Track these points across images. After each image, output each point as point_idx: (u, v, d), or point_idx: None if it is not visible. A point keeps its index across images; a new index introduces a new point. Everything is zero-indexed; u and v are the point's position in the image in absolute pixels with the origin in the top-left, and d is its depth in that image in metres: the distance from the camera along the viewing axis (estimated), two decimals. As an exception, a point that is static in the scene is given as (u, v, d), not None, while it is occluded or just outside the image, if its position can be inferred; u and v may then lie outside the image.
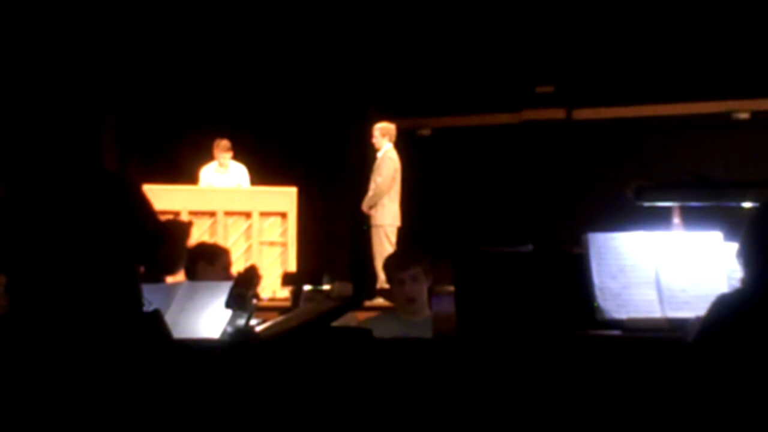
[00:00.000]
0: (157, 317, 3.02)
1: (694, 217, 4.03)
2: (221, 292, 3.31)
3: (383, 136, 9.17)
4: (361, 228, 9.39)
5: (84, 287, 2.85)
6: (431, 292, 4.05)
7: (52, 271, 2.87)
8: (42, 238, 2.89)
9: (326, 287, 3.61)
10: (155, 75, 10.32)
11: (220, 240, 8.48)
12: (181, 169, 9.84)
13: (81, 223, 2.89)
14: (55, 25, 9.25)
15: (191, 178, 9.57)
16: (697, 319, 2.71)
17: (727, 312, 2.56)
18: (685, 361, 2.61)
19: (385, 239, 8.96)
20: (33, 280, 2.89)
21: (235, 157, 9.62)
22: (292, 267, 8.97)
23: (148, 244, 3.00)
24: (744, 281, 2.63)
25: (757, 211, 2.73)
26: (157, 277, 3.61)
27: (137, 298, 2.96)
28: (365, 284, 8.30)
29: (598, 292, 3.22)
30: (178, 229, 3.18)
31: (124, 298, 2.91)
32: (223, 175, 9.55)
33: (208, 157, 9.65)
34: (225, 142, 9.48)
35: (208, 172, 9.58)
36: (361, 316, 4.48)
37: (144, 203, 3.00)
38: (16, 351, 2.85)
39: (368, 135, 9.30)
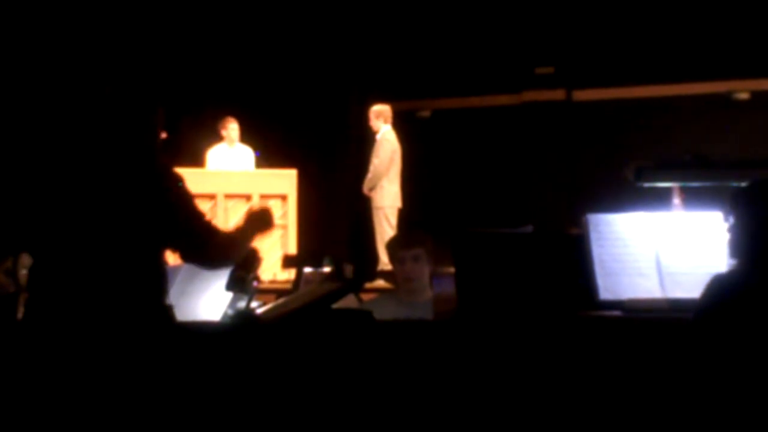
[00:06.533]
0: (168, 313, 3.00)
1: (694, 198, 4.03)
2: (222, 275, 3.31)
3: (378, 118, 9.17)
4: (362, 209, 9.39)
5: (107, 272, 2.84)
6: (432, 274, 4.05)
7: (76, 253, 2.85)
8: (72, 217, 2.87)
9: (327, 269, 3.60)
10: (153, 58, 10.28)
11: (220, 223, 8.45)
12: (182, 152, 9.81)
13: (112, 207, 2.87)
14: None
15: (192, 161, 9.54)
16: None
17: (722, 293, 2.56)
18: (684, 341, 2.61)
19: (384, 221, 8.97)
20: (57, 260, 2.87)
21: (240, 140, 9.63)
22: (293, 249, 8.96)
23: (187, 238, 2.98)
24: (738, 262, 2.63)
25: (748, 191, 2.70)
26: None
27: (159, 287, 2.94)
28: (366, 266, 8.29)
29: (598, 273, 3.22)
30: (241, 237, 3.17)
31: (145, 286, 2.90)
32: (231, 156, 9.54)
33: (209, 140, 9.63)
34: (230, 117, 9.52)
35: (216, 154, 9.57)
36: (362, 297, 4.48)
37: (185, 198, 2.98)
38: (30, 333, 2.85)
39: (367, 117, 9.29)
